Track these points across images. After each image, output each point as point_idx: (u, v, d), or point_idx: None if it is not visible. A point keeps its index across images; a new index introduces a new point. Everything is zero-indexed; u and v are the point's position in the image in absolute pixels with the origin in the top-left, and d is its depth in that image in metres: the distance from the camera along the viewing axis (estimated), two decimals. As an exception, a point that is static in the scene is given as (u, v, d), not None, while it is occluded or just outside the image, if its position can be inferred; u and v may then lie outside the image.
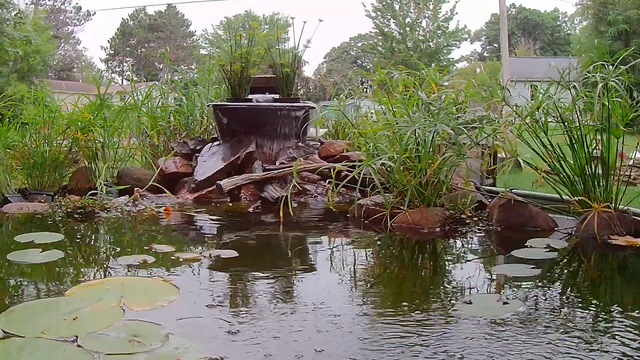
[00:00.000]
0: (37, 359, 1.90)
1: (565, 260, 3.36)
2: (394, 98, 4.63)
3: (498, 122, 4.20)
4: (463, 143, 4.25)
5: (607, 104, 3.75)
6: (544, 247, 3.44)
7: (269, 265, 3.33)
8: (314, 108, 6.05)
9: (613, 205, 3.88)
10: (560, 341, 2.00)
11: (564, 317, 2.29)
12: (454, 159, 4.21)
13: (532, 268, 3.02)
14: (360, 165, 4.13)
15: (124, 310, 2.35)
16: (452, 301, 2.53)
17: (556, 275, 3.10)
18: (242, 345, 2.03)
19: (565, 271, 3.22)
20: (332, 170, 4.48)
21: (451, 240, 3.90)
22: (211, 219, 4.74)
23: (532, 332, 2.10)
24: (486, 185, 5.53)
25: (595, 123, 3.96)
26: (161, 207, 5.03)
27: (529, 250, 3.42)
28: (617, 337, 2.04)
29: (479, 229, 4.01)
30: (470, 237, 3.88)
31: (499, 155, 5.30)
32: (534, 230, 3.95)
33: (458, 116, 4.31)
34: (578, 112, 3.94)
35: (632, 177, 14.25)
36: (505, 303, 2.41)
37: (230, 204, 5.31)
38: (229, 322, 2.24)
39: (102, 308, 2.38)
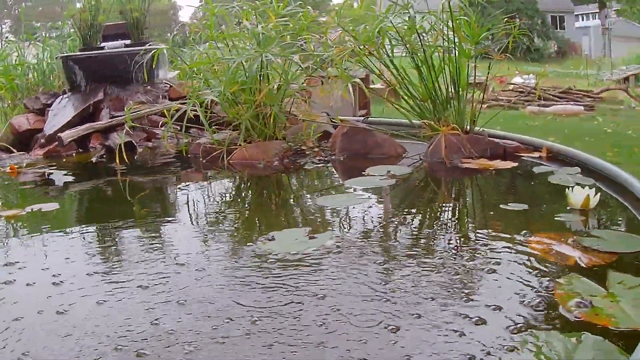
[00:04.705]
0: None
1: (399, 187, 3.23)
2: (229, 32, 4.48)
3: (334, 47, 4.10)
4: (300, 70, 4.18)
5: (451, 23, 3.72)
6: (383, 175, 3.33)
7: (90, 215, 3.18)
8: (162, 50, 5.84)
9: (467, 127, 3.85)
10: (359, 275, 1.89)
11: (373, 249, 2.17)
12: (286, 89, 4.10)
13: (361, 197, 2.93)
14: (187, 103, 3.99)
15: None
16: (255, 238, 2.34)
17: (382, 204, 2.97)
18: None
19: (394, 199, 3.08)
20: (167, 111, 4.31)
21: (286, 173, 3.77)
22: (52, 173, 4.50)
23: (324, 269, 1.97)
24: (361, 117, 5.47)
25: (442, 43, 3.92)
26: (7, 166, 4.78)
27: (365, 178, 3.30)
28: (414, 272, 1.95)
29: (320, 160, 3.89)
30: (308, 169, 3.74)
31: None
32: (381, 157, 3.85)
33: (295, 44, 4.19)
34: (419, 33, 3.84)
35: (512, 102, 14.64)
36: (312, 237, 2.27)
37: (77, 156, 5.10)
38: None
39: None
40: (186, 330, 1.56)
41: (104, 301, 1.79)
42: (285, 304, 1.69)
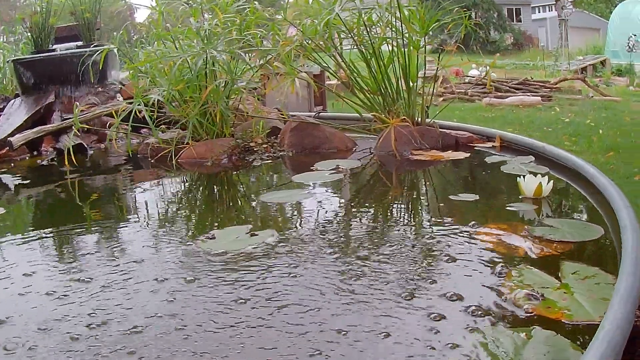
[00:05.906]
0: None
1: (347, 180, 3.20)
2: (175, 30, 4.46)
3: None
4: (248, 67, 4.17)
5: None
6: (331, 169, 3.32)
7: (34, 218, 3.13)
8: (113, 51, 5.79)
9: (419, 119, 3.86)
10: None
11: (314, 244, 2.12)
12: (232, 85, 4.09)
13: (307, 193, 2.91)
14: (133, 103, 3.96)
15: None
16: (195, 237, 2.29)
17: (329, 198, 2.93)
18: None
19: (341, 193, 3.03)
20: (115, 112, 4.28)
21: (234, 171, 3.74)
22: (0, 178, 4.46)
23: (261, 266, 1.92)
24: (317, 112, 5.46)
25: (391, 34, 3.93)
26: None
27: (313, 173, 3.28)
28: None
29: (269, 156, 3.88)
30: (256, 165, 3.72)
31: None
32: (330, 152, 3.86)
33: (242, 40, 4.17)
34: (367, 25, 3.87)
35: (469, 94, 14.67)
36: (253, 235, 2.22)
37: (30, 159, 5.05)
38: None
39: None
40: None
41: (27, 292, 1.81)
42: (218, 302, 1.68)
